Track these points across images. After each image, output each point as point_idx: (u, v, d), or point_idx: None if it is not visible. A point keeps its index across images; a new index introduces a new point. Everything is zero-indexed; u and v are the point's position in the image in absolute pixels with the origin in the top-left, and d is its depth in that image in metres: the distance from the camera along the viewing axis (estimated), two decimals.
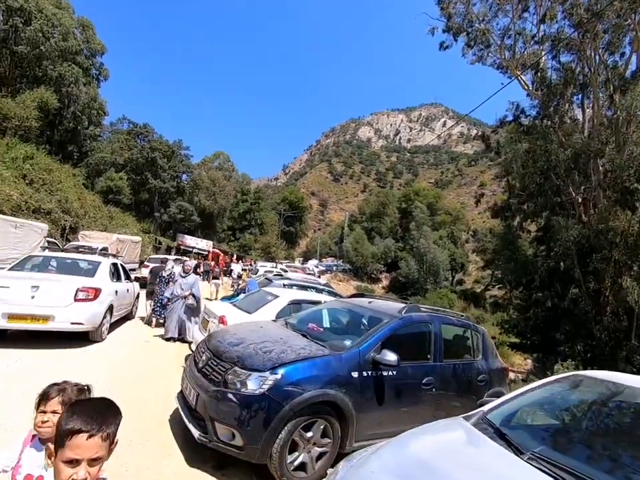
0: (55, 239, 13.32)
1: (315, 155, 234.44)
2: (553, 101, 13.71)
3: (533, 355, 16.51)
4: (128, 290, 7.42)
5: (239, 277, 19.58)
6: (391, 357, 3.02)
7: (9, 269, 5.82)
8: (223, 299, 5.82)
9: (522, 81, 17.23)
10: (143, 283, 15.67)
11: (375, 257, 51.58)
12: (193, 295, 6.56)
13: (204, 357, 3.17)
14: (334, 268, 50.05)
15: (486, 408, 2.23)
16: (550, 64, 15.81)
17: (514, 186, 14.75)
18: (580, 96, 15.45)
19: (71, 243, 14.35)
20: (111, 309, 6.21)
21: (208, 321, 5.12)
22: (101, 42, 32.87)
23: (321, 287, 8.38)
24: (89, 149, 35.89)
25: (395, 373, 3.18)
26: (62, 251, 8.21)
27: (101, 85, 35.30)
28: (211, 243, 42.73)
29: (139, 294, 8.72)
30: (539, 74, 16.20)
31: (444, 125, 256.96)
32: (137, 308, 8.69)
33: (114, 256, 7.61)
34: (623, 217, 11.87)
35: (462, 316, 4.48)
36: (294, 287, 8.11)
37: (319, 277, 30.97)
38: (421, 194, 71.92)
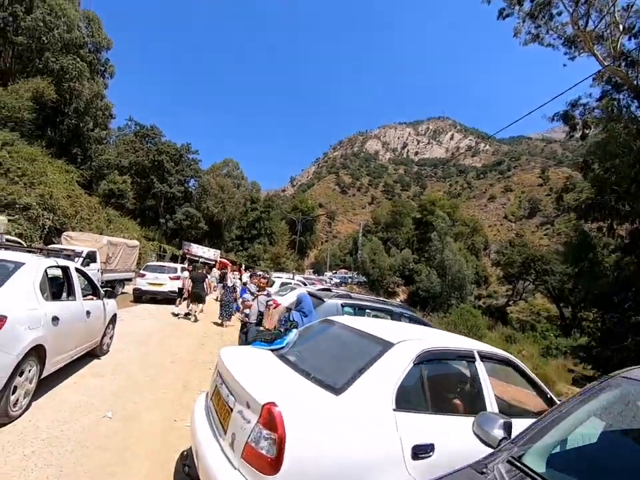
0: (22, 238, 10.51)
1: (323, 167, 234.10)
2: None
3: None
4: (89, 313, 4.43)
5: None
6: None
7: None
8: (257, 342, 2.80)
9: (597, 57, 14.33)
10: (139, 294, 12.82)
11: (392, 268, 48.24)
12: None
13: None
14: (349, 280, 46.78)
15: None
16: None
17: (604, 178, 11.59)
18: None
19: (51, 246, 11.56)
20: (38, 353, 3.23)
21: (227, 408, 2.08)
22: (107, 36, 30.90)
23: (398, 310, 5.30)
24: (93, 152, 33.63)
25: None
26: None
27: (107, 82, 33.27)
28: (219, 252, 39.97)
29: (115, 316, 5.72)
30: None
31: (451, 137, 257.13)
32: (111, 338, 5.68)
33: (69, 256, 4.67)
34: None
35: None
36: (355, 308, 5.08)
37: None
38: (438, 204, 68.77)
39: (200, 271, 10.78)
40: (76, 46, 27.49)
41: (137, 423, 3.38)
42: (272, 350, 2.76)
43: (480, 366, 2.50)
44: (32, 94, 21.25)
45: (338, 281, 43.31)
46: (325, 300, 4.98)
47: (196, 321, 9.91)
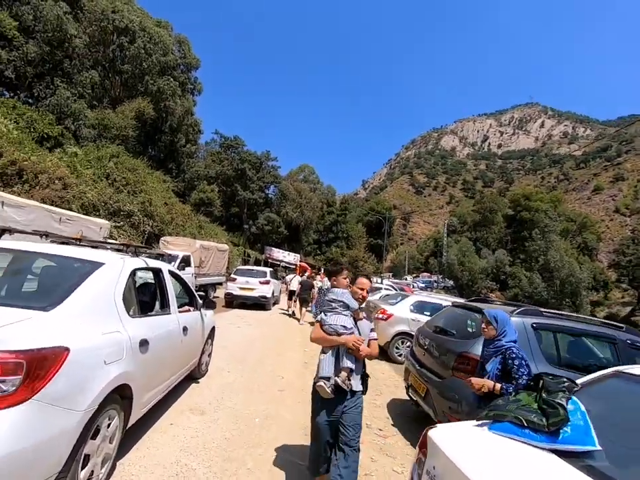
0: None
1: (395, 168, 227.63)
2: None
3: None
4: (185, 329, 3.41)
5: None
6: None
7: None
8: (506, 425, 1.32)
9: None
10: (230, 299, 12.47)
11: (484, 272, 43.13)
12: None
13: None
14: (434, 284, 43.12)
15: None
16: None
17: None
18: None
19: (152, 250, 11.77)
20: (122, 395, 2.17)
21: None
22: (196, 56, 33.19)
23: (625, 337, 3.29)
24: (186, 165, 36.43)
25: None
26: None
27: (196, 99, 35.75)
28: (298, 256, 40.16)
29: (213, 329, 4.77)
30: None
31: (542, 125, 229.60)
32: (210, 356, 4.73)
33: (161, 256, 3.79)
34: None
35: None
36: (554, 332, 3.27)
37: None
38: (533, 198, 60.22)
39: (308, 280, 12.26)
40: (170, 68, 29.84)
41: None
42: (555, 451, 1.21)
43: None
44: (135, 113, 23.32)
45: (423, 285, 40.13)
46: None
47: (294, 317, 11.59)
